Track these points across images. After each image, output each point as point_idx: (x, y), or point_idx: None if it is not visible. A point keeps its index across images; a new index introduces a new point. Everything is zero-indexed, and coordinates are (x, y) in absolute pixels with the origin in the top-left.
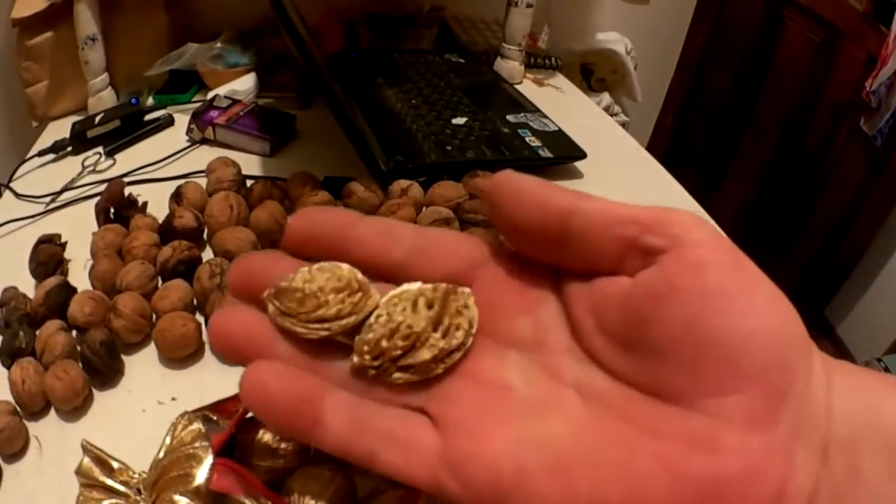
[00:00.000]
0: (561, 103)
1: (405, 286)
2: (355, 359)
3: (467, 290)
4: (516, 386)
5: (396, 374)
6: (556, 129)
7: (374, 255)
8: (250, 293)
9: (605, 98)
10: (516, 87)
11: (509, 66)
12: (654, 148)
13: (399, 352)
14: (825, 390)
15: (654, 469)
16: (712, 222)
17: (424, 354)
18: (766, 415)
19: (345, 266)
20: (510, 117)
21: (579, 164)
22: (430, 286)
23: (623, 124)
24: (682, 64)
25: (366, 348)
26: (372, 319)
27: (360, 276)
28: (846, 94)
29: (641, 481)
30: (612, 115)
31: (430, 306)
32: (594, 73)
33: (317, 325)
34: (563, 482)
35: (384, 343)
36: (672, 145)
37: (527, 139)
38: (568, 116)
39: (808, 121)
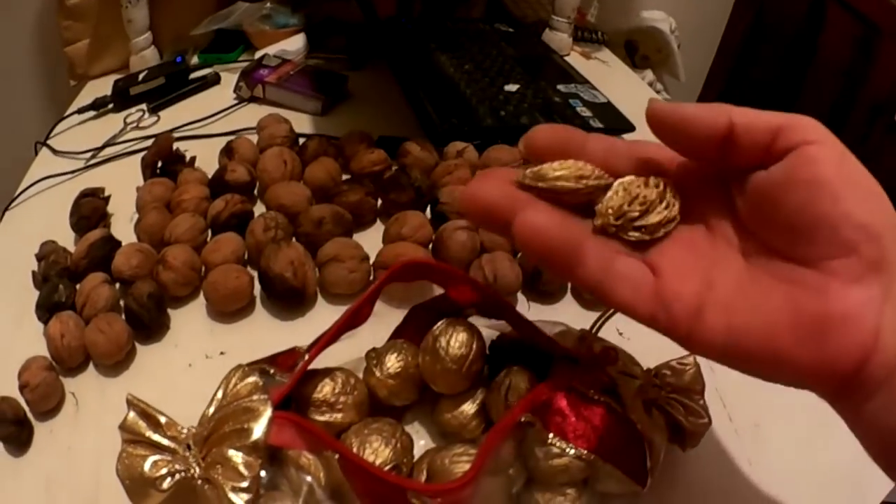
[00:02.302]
0: (607, 77)
1: (630, 176)
2: (599, 220)
3: (672, 183)
4: (703, 248)
5: (632, 232)
6: (606, 100)
7: (603, 164)
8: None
9: (649, 75)
10: (565, 58)
11: (558, 38)
12: None
13: (636, 213)
14: None
15: (783, 305)
16: None
17: (654, 218)
18: (861, 276)
19: (581, 162)
20: (561, 87)
21: (627, 137)
22: (651, 177)
23: None
24: (723, 48)
25: (610, 211)
26: (611, 193)
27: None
28: (884, 91)
29: (774, 315)
30: (655, 92)
31: (657, 186)
32: (638, 51)
33: (583, 181)
34: (726, 317)
35: (626, 207)
36: None
37: (578, 109)
38: (614, 90)
39: (845, 116)
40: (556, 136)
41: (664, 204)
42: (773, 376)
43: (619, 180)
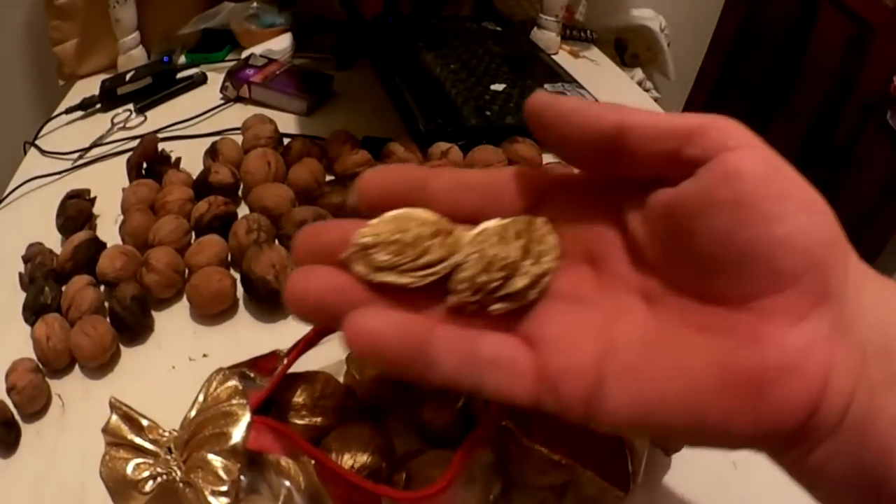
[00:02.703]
0: (596, 76)
1: (484, 224)
2: (454, 298)
3: (542, 218)
4: (592, 299)
5: (496, 305)
6: (594, 99)
7: (450, 208)
8: (321, 259)
9: (638, 73)
10: (553, 57)
11: (546, 37)
12: None
13: (497, 283)
14: (860, 295)
15: (706, 364)
16: None
17: (520, 282)
18: (805, 313)
19: (421, 211)
20: (548, 86)
21: None
22: (509, 220)
23: (655, 101)
24: (713, 47)
25: (464, 286)
26: (461, 258)
27: (439, 216)
28: (875, 90)
29: (695, 376)
30: (644, 91)
31: (517, 237)
32: (628, 49)
33: (424, 272)
34: (634, 386)
35: (482, 278)
36: None
37: None
38: (603, 89)
39: (837, 114)
40: (390, 183)
41: (531, 259)
42: (700, 445)
43: (472, 235)
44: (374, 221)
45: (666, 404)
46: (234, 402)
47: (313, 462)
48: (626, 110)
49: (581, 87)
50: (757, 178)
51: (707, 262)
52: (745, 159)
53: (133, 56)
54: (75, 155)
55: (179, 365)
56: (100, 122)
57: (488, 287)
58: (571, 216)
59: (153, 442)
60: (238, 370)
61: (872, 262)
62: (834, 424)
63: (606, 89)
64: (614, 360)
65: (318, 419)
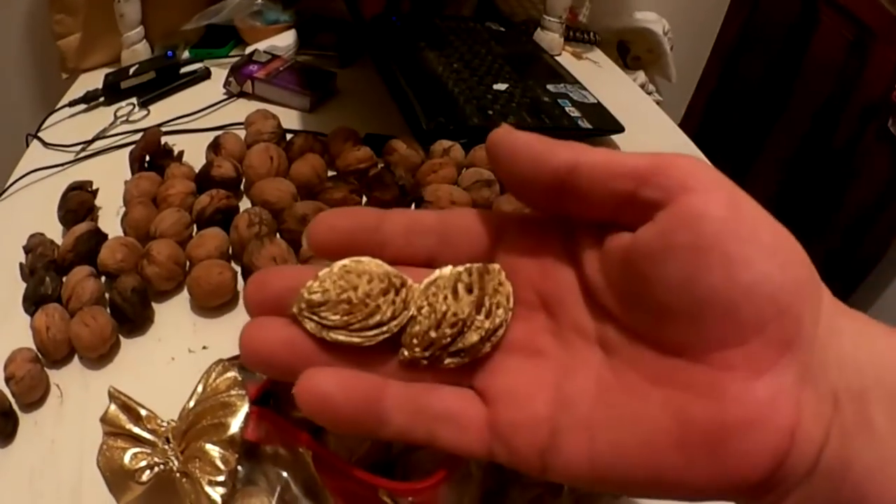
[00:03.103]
0: (598, 77)
1: (437, 272)
2: (405, 353)
3: (497, 266)
4: (547, 349)
5: (448, 360)
6: (595, 101)
7: (403, 252)
8: (272, 308)
9: (640, 76)
10: (555, 58)
11: (549, 38)
12: (684, 129)
13: (448, 339)
14: (834, 337)
15: (663, 418)
16: None
17: (472, 337)
18: (770, 364)
19: (371, 262)
20: (550, 87)
21: (616, 138)
22: (462, 269)
23: (657, 104)
24: (716, 50)
25: (415, 341)
26: (413, 311)
27: (389, 268)
28: (876, 94)
29: (652, 430)
30: (647, 94)
31: (469, 290)
32: (630, 51)
33: (375, 331)
34: (589, 438)
35: (433, 334)
36: (702, 129)
37: (566, 109)
38: (605, 91)
39: (837, 118)
40: (342, 227)
41: (483, 312)
42: (663, 498)
43: (425, 284)
44: (323, 273)
45: (622, 459)
46: (232, 392)
47: (310, 453)
48: (581, 148)
49: (583, 87)
50: (719, 221)
51: (664, 311)
52: (706, 200)
53: (137, 51)
54: (78, 147)
55: (179, 357)
56: (103, 116)
57: (440, 343)
58: (528, 259)
59: (151, 432)
60: (237, 362)
61: (873, 267)
62: (804, 473)
63: (608, 91)
64: (569, 413)
65: None
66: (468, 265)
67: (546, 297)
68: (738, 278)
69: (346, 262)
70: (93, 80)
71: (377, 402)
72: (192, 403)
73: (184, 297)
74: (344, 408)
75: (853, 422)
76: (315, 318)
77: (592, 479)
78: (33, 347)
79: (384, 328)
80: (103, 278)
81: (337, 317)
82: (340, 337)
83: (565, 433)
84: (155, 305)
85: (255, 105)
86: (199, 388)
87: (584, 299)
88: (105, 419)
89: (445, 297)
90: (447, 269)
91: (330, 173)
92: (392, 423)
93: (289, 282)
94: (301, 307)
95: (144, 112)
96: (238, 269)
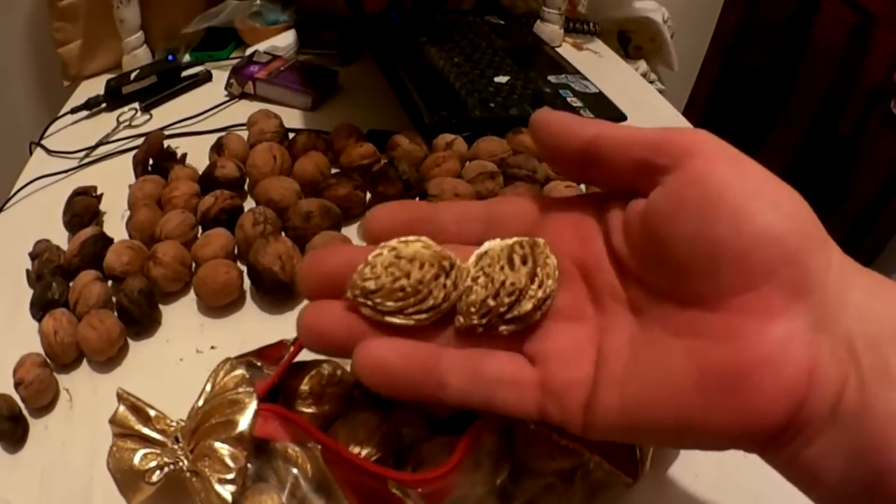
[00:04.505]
0: (600, 67)
1: (487, 245)
2: (462, 319)
3: (542, 240)
4: (586, 314)
5: (503, 327)
6: (597, 91)
7: (457, 237)
8: (327, 286)
9: (642, 65)
10: (556, 49)
11: (549, 29)
12: (688, 118)
13: (505, 307)
14: (846, 288)
15: (685, 365)
16: None
17: (527, 306)
18: (782, 308)
19: (417, 242)
20: (551, 78)
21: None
22: (513, 241)
23: (659, 92)
24: (716, 37)
25: (472, 309)
26: (469, 282)
27: (437, 248)
28: (879, 78)
29: (675, 377)
30: (648, 83)
31: (524, 261)
32: (631, 41)
33: (429, 314)
34: (621, 391)
35: (491, 302)
36: (706, 117)
37: (568, 99)
38: (607, 80)
39: (841, 103)
40: (397, 219)
41: (536, 282)
42: (691, 446)
43: (475, 256)
44: (373, 256)
45: (652, 407)
46: (240, 390)
47: (320, 448)
48: (604, 124)
49: (584, 78)
50: (722, 178)
51: (680, 266)
52: (710, 162)
53: (137, 55)
54: (81, 154)
55: (187, 357)
56: (105, 122)
57: (497, 311)
58: (567, 235)
59: (160, 432)
60: (245, 359)
61: (880, 251)
62: (825, 418)
63: (610, 81)
64: (605, 370)
65: (325, 407)
66: (518, 238)
67: (583, 266)
68: (745, 228)
69: (394, 243)
70: (94, 87)
71: (434, 367)
72: (200, 402)
73: (191, 298)
74: (403, 373)
75: (871, 368)
76: (370, 303)
77: (624, 429)
78: (41, 352)
79: (437, 309)
80: (110, 282)
81: (392, 303)
82: (396, 320)
83: (602, 388)
84: (162, 307)
85: (257, 105)
86: (208, 387)
87: (613, 266)
88: (114, 420)
89: (502, 268)
90: (496, 242)
91: (333, 170)
92: (450, 387)
93: (343, 260)
94: (356, 293)
95: (147, 116)
96: (244, 268)
